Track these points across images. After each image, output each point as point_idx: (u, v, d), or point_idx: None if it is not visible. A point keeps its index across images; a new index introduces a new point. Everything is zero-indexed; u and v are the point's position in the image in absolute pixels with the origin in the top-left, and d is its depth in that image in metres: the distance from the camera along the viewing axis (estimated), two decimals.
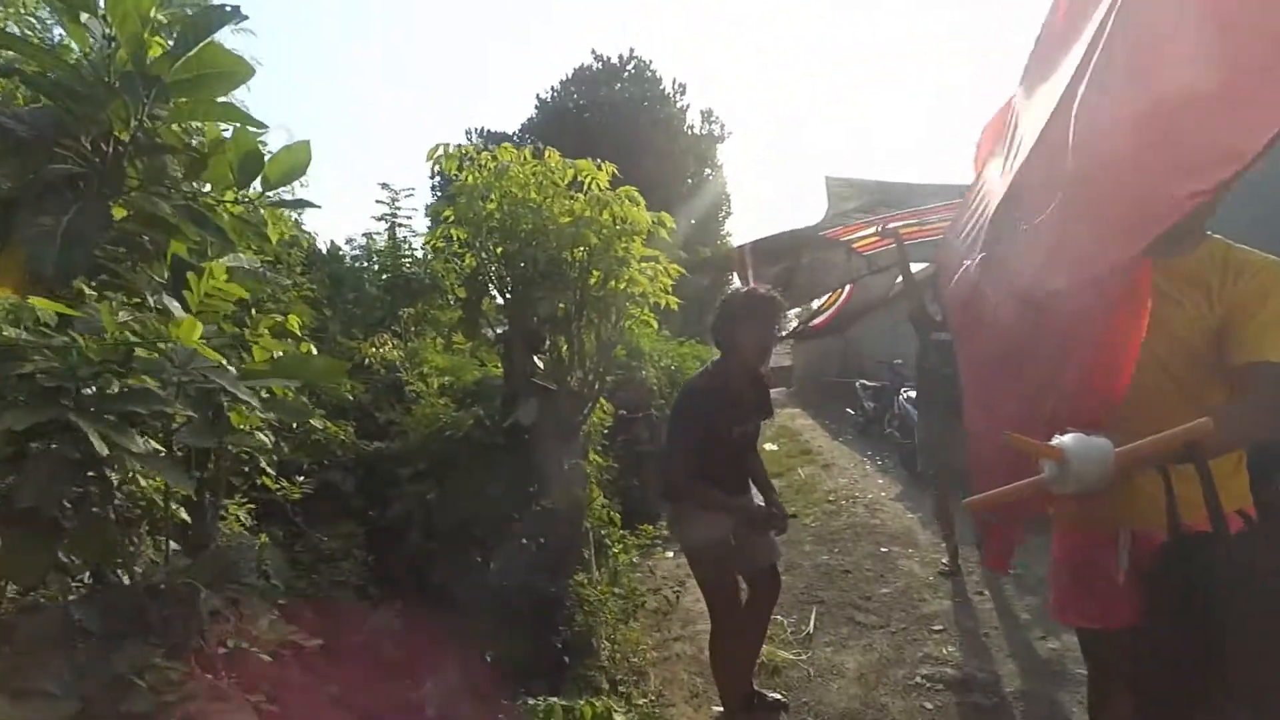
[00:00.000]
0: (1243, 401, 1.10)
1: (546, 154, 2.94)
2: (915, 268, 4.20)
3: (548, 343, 3.05)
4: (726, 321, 2.28)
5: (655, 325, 3.60)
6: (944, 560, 4.04)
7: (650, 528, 3.83)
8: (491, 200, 2.84)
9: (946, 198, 3.91)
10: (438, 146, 2.94)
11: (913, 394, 6.92)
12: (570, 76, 22.11)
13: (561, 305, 2.90)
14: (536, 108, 22.31)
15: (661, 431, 5.77)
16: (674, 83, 22.57)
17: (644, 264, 2.99)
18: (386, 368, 3.56)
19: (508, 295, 3.03)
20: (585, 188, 2.91)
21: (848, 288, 4.45)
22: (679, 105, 22.53)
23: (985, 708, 2.52)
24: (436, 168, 3.01)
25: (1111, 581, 1.20)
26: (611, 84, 21.55)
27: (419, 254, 4.18)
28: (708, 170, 23.15)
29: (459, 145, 3.01)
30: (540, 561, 2.59)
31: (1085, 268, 1.14)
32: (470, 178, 2.90)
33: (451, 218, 2.97)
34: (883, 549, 4.56)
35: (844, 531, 5.07)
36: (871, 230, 4.37)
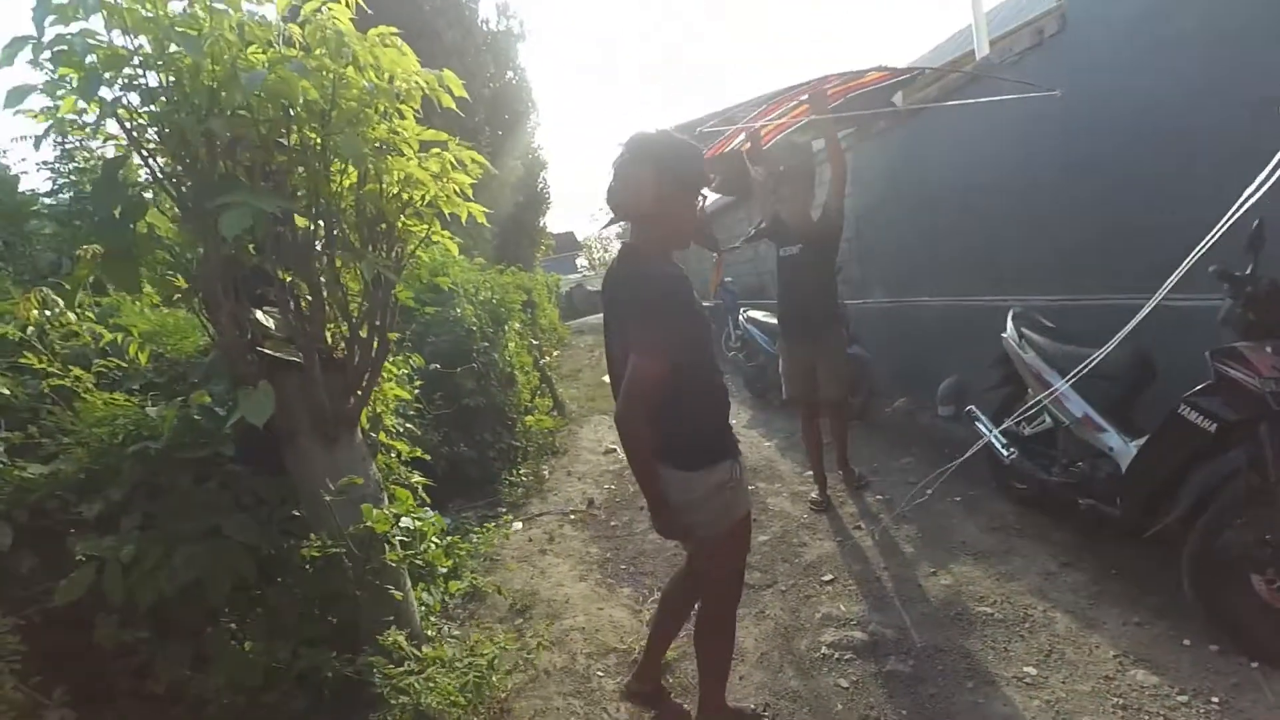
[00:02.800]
0: None
1: None
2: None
3: (286, 285, 1.89)
4: (659, 173, 1.56)
5: (455, 248, 2.46)
6: (813, 494, 3.80)
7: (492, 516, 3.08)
8: (116, 21, 1.53)
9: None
10: None
11: (753, 314, 6.67)
12: None
13: (304, 222, 1.82)
14: None
15: (492, 379, 4.85)
16: None
17: (426, 155, 2.01)
18: (63, 337, 2.36)
19: (184, 199, 1.75)
20: (303, 24, 1.73)
21: None
22: None
23: (904, 675, 2.21)
24: None
25: None
26: None
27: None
28: (510, 73, 20.37)
29: None
30: (322, 632, 1.69)
31: None
32: None
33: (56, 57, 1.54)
34: (749, 486, 4.24)
35: None
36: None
